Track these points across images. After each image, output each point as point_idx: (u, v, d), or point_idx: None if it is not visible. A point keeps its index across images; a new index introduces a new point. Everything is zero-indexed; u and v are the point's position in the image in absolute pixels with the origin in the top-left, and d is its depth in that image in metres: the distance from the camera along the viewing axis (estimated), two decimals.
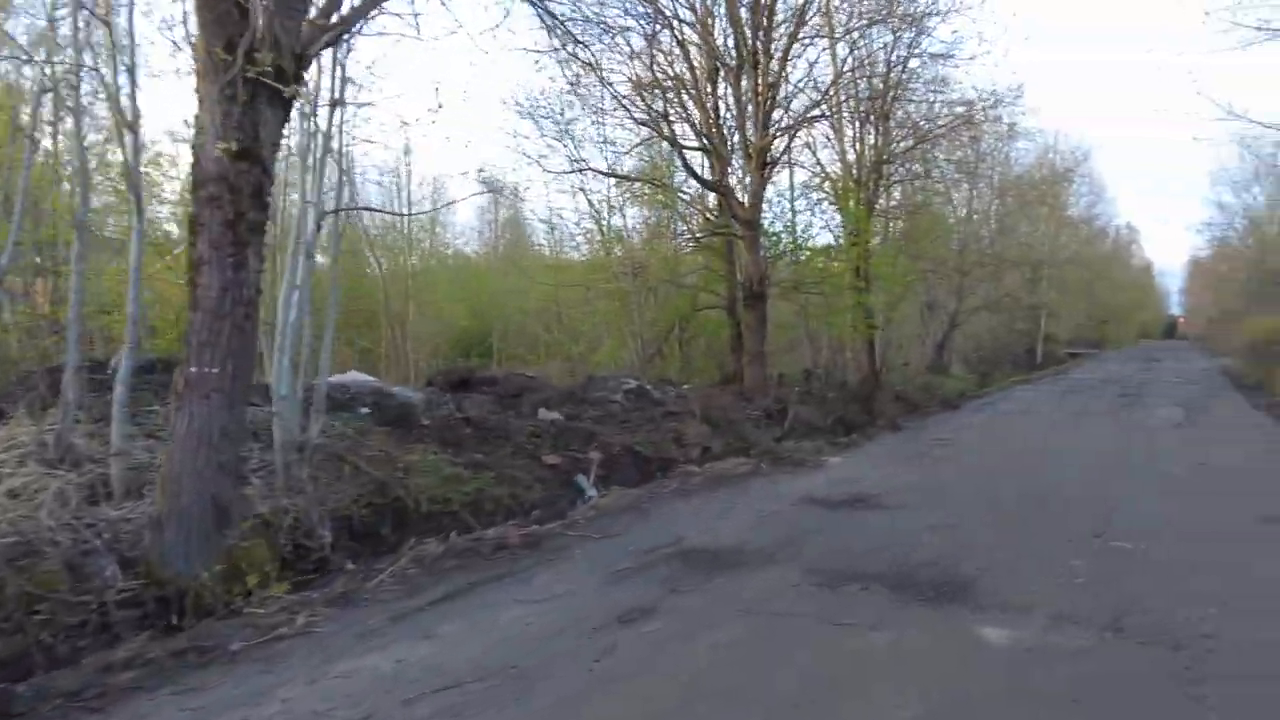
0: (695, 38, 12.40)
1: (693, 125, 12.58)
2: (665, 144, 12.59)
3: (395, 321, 14.12)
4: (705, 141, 12.45)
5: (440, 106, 6.00)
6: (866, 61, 16.53)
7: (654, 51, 11.45)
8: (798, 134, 13.87)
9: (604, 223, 14.79)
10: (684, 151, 12.22)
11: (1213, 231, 43.86)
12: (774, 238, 13.65)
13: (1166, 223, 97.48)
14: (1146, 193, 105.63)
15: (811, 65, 13.26)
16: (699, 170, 12.88)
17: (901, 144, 17.19)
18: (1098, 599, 4.45)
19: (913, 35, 16.03)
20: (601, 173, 13.33)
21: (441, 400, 10.08)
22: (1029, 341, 35.57)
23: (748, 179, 12.31)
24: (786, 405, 13.19)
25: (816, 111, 13.65)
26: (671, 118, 12.02)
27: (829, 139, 17.44)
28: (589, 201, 14.57)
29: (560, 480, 8.40)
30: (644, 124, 11.67)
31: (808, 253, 14.06)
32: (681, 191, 14.39)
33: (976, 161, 28.68)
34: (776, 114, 12.89)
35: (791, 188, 15.70)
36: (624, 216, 15.14)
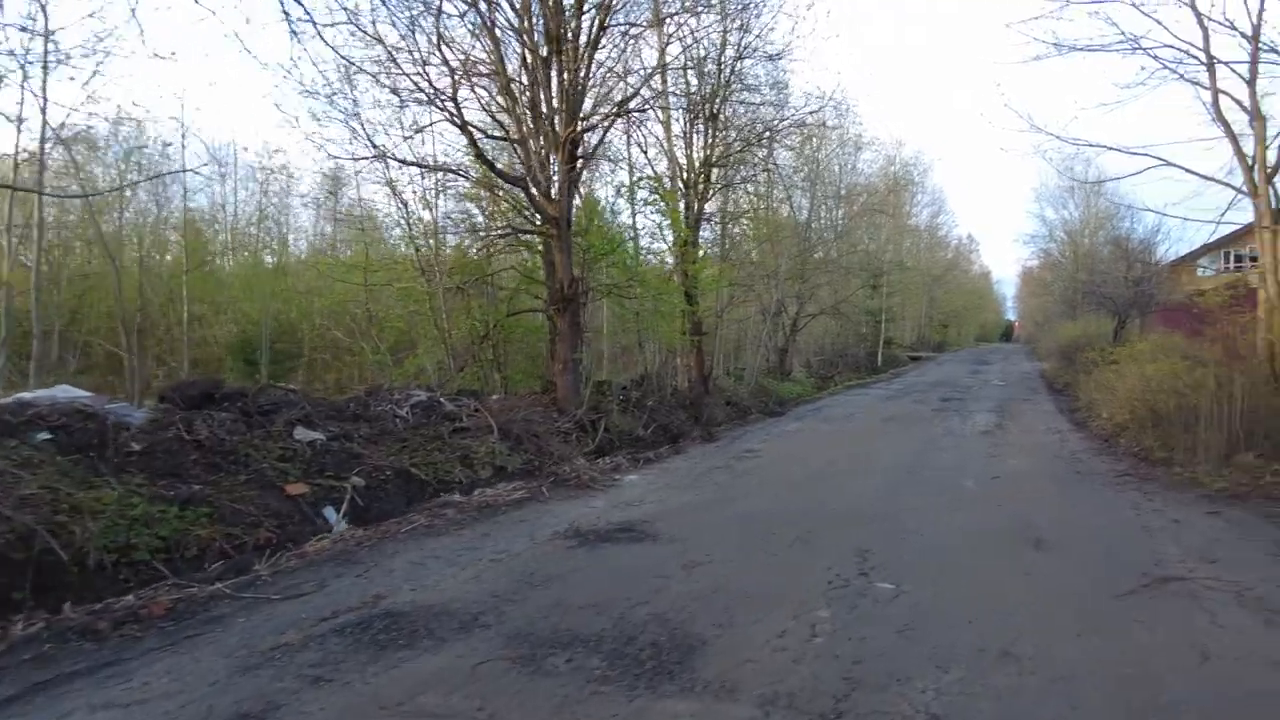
0: (505, 20, 11.36)
1: (489, 111, 11.49)
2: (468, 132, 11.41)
3: (129, 327, 12.08)
4: (506, 130, 11.38)
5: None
6: (696, 58, 16.08)
7: (444, 29, 10.24)
8: (615, 128, 13.04)
9: (410, 217, 13.43)
10: (479, 138, 11.09)
11: (1036, 244, 47.43)
12: (588, 238, 12.74)
13: (1000, 233, 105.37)
14: (985, 204, 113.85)
15: (623, 54, 12.40)
16: (508, 163, 11.81)
17: (732, 145, 16.83)
18: (828, 667, 3.71)
19: (740, 35, 15.73)
20: (402, 161, 12.02)
21: (171, 420, 8.49)
22: (871, 345, 36.79)
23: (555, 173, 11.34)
24: (602, 416, 12.37)
25: (634, 104, 12.85)
26: (464, 101, 10.87)
27: (660, 138, 16.89)
28: (393, 192, 13.20)
29: (302, 514, 7.13)
30: (432, 104, 10.44)
31: (626, 255, 13.25)
32: (496, 186, 13.29)
33: (816, 169, 29.23)
34: (589, 104, 12.03)
35: (630, 187, 14.89)
36: (434, 210, 13.81)
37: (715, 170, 17.02)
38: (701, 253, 17.44)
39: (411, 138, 11.07)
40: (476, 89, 11.51)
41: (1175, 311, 18.78)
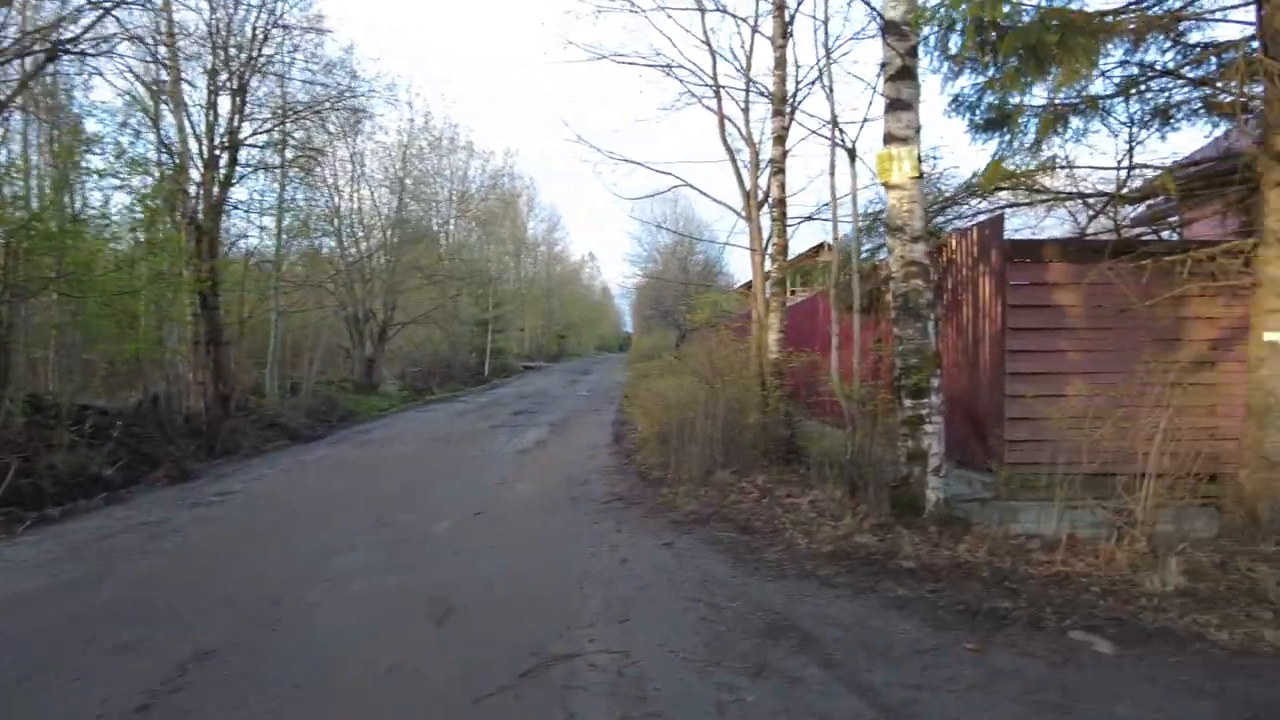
0: None
1: None
2: None
3: None
4: None
5: None
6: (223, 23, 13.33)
7: None
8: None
9: None
10: None
11: (637, 263, 51.10)
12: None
13: (619, 252, 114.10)
14: (607, 222, 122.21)
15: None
16: None
17: (261, 122, 14.26)
18: None
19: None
20: None
21: None
22: (481, 354, 36.03)
23: None
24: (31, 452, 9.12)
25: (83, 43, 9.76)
26: None
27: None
28: None
29: None
30: None
31: (81, 243, 10.03)
32: None
33: (404, 166, 27.37)
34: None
35: (63, 149, 11.42)
36: None
37: (246, 151, 14.29)
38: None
39: None
40: None
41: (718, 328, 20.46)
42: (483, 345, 35.86)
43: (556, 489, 8.86)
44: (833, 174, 7.76)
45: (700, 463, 8.27)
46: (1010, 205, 8.38)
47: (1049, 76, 5.96)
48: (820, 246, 24.02)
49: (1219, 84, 6.96)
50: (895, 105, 6.55)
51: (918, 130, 6.55)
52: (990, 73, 6.87)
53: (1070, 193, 7.91)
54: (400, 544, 6.51)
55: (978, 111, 7.73)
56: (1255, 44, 6.33)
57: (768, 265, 9.83)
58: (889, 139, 6.56)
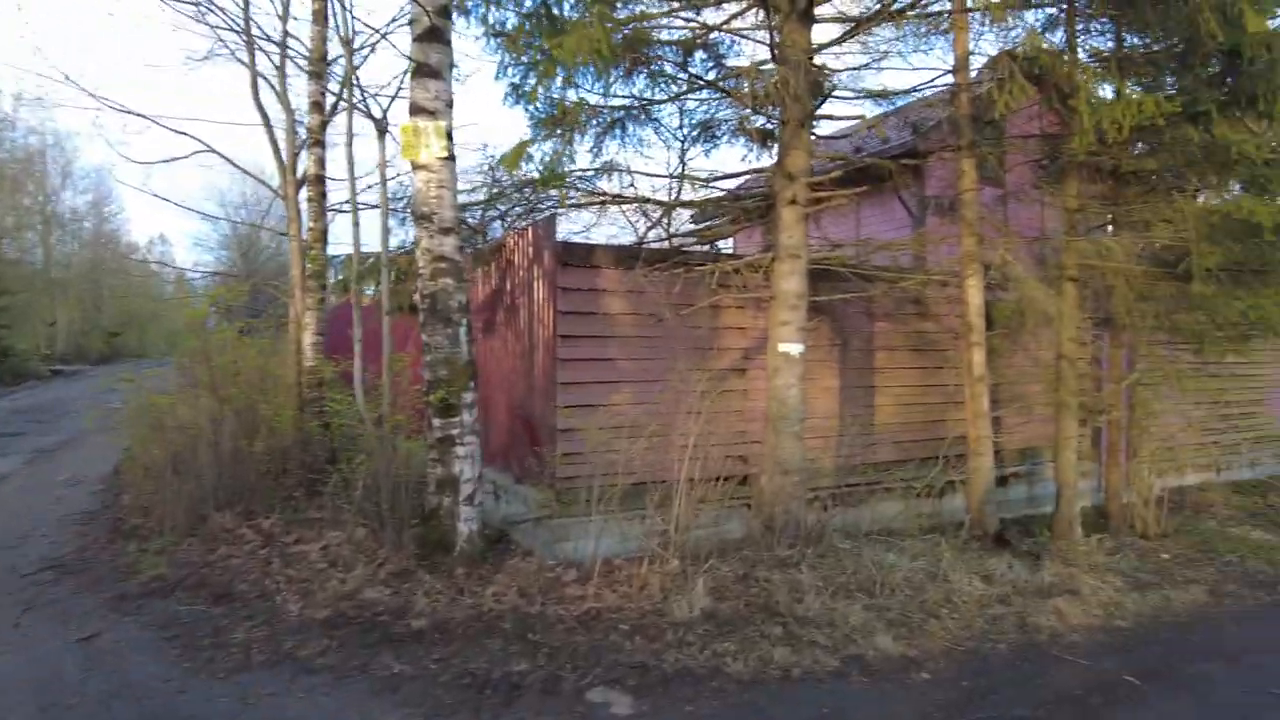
0: None
1: None
2: None
3: None
4: None
5: None
6: None
7: None
8: None
9: None
10: None
11: (205, 249, 44.06)
12: None
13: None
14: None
15: None
16: None
17: None
18: None
19: None
20: None
21: None
22: None
23: None
24: None
25: None
26: None
27: None
28: None
29: None
30: None
31: None
32: None
33: None
34: None
35: None
36: None
37: None
38: None
39: None
40: None
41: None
42: None
43: None
44: (350, 145, 6.49)
45: (191, 503, 6.34)
46: (576, 205, 7.94)
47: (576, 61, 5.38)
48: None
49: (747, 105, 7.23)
50: (423, 71, 5.51)
51: (449, 104, 5.59)
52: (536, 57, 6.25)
53: (627, 197, 7.69)
54: None
55: (538, 105, 7.11)
56: (771, 67, 6.60)
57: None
58: (416, 110, 5.50)
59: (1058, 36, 7.32)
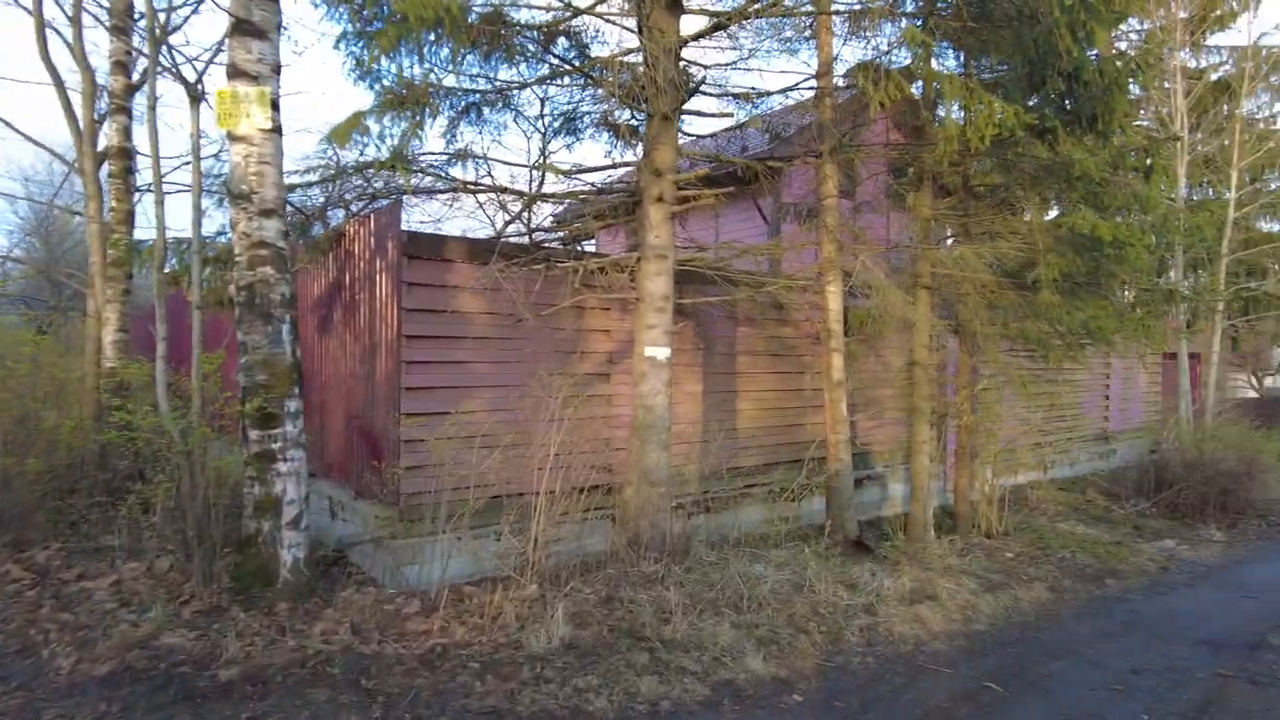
0: None
1: None
2: None
3: None
4: None
5: None
6: None
7: None
8: None
9: None
10: None
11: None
12: None
13: None
14: None
15: None
16: None
17: None
18: None
19: None
20: None
21: None
22: None
23: None
24: None
25: None
26: None
27: None
28: None
29: None
30: None
31: None
32: None
33: None
34: None
35: None
36: None
37: None
38: None
39: None
40: None
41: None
42: None
43: None
44: (153, 108, 5.52)
45: None
46: (425, 191, 7.30)
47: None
48: None
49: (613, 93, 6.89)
50: (245, 29, 4.76)
51: (276, 69, 4.87)
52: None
53: (483, 185, 7.13)
54: None
55: (384, 82, 6.43)
56: (639, 58, 6.29)
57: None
58: (235, 73, 4.74)
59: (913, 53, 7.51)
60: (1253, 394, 21.63)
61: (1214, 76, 14.10)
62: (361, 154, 6.21)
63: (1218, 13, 13.79)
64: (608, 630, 4.50)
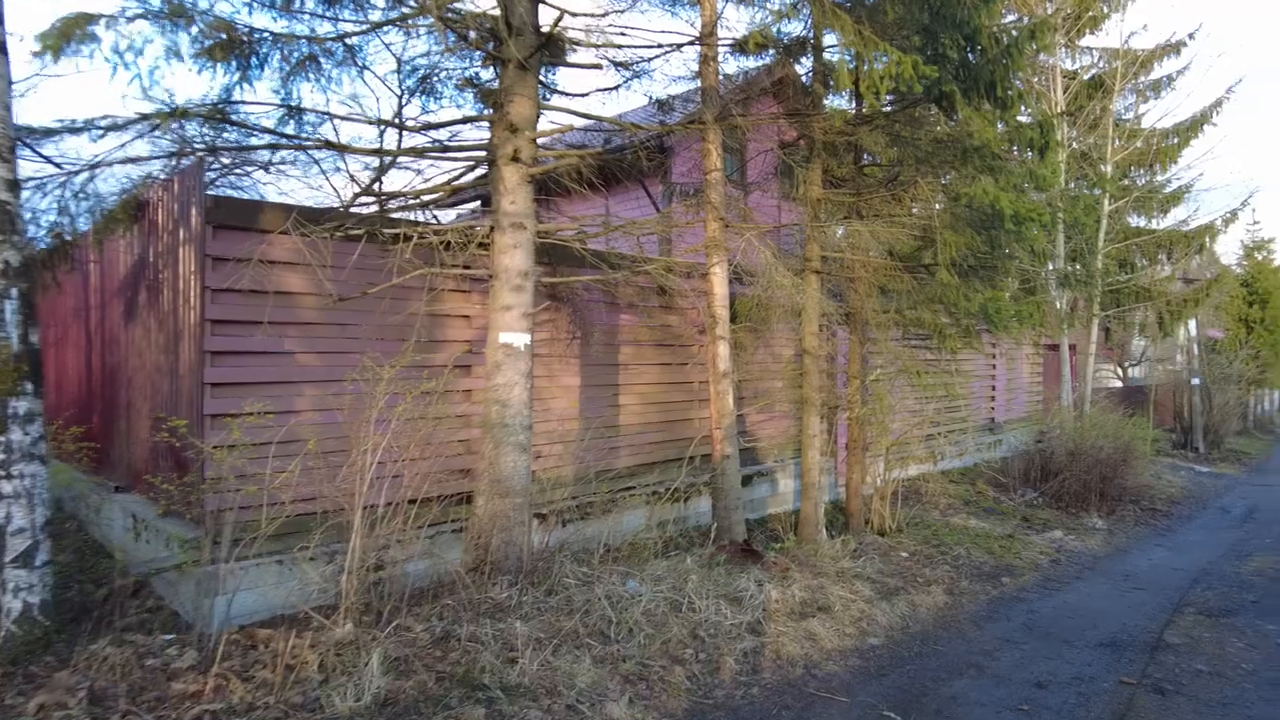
0: None
1: None
2: None
3: None
4: None
5: None
6: None
7: None
8: None
9: None
10: None
11: None
12: None
13: None
14: None
15: None
16: None
17: None
18: None
19: None
20: None
21: None
22: None
23: None
24: None
25: None
26: None
27: None
28: None
29: None
30: None
31: None
32: None
33: None
34: None
35: None
36: None
37: None
38: None
39: None
40: None
41: None
42: None
43: None
44: None
45: None
46: (239, 149, 6.18)
47: None
48: None
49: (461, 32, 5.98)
50: None
51: None
52: None
53: (311, 140, 6.04)
54: None
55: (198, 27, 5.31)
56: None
57: None
58: None
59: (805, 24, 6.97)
60: (1118, 383, 22.72)
61: (1087, 76, 14.46)
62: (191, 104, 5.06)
63: (1091, 14, 14.12)
64: (435, 679, 3.65)
